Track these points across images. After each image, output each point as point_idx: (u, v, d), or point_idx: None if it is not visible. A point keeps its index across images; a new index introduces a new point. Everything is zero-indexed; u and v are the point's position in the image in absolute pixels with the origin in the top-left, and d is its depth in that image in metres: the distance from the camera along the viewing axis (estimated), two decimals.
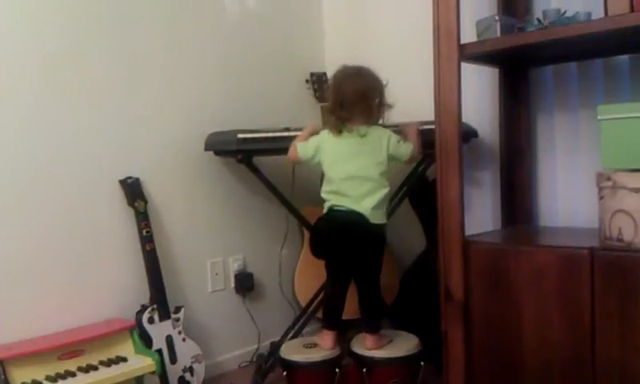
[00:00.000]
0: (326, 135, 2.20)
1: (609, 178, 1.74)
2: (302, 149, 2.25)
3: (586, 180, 2.16)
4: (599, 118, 1.79)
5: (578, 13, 1.93)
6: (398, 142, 2.15)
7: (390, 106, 2.19)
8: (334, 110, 2.17)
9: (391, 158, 2.16)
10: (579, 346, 1.74)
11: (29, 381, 1.94)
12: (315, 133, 2.27)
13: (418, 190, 2.61)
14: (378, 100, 2.15)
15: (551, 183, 2.34)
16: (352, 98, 2.14)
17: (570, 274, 1.75)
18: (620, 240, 1.71)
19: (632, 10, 1.70)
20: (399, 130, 2.24)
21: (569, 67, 2.26)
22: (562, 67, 2.27)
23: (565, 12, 1.93)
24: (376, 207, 2.13)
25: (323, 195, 2.22)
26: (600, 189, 1.79)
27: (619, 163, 1.75)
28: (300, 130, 2.43)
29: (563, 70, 2.28)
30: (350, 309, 2.26)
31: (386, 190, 2.15)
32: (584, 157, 2.23)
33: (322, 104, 2.88)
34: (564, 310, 1.76)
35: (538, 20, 1.97)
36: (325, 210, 2.22)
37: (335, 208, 2.17)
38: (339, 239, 2.21)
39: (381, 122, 2.23)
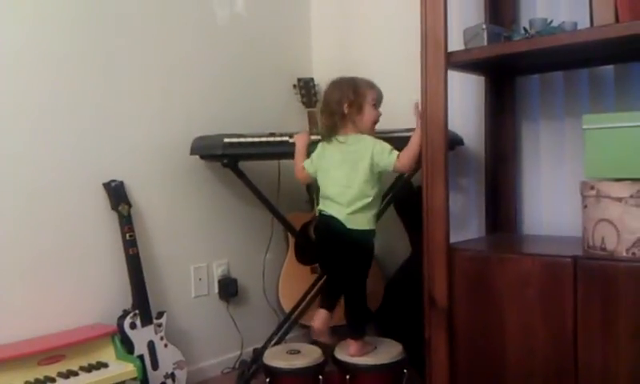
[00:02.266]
0: (320, 145, 2.26)
1: (592, 187, 1.75)
2: (309, 167, 2.29)
3: (570, 189, 2.17)
4: (584, 127, 1.80)
5: (564, 23, 1.95)
6: (384, 151, 2.13)
7: (361, 107, 2.19)
8: (322, 119, 2.28)
9: (377, 168, 2.15)
10: (562, 354, 1.74)
11: None
12: (306, 144, 2.33)
13: (403, 196, 2.61)
14: (346, 105, 2.17)
15: (536, 191, 2.35)
16: (325, 109, 2.24)
17: (553, 282, 1.75)
18: (603, 249, 1.72)
19: (617, 20, 1.71)
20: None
21: (554, 76, 2.28)
22: (548, 76, 2.29)
23: (551, 22, 1.95)
24: (354, 212, 2.14)
25: (319, 199, 2.28)
26: (584, 198, 1.80)
27: (603, 172, 1.76)
28: (286, 135, 2.44)
29: (549, 79, 2.29)
30: (334, 315, 2.25)
31: (368, 199, 2.15)
32: (568, 166, 2.24)
33: (309, 109, 2.89)
34: (547, 318, 1.76)
35: (525, 29, 1.98)
36: (316, 213, 2.30)
37: (322, 213, 2.23)
38: (320, 243, 2.31)
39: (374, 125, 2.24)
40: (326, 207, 2.20)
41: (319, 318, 2.19)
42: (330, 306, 2.21)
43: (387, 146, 2.14)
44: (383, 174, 2.20)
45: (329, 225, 2.19)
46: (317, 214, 2.27)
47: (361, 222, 2.16)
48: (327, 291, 2.30)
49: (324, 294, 2.32)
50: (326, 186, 2.21)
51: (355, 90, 2.19)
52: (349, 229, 2.15)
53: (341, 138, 2.19)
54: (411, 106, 2.09)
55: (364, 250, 2.22)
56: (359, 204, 2.14)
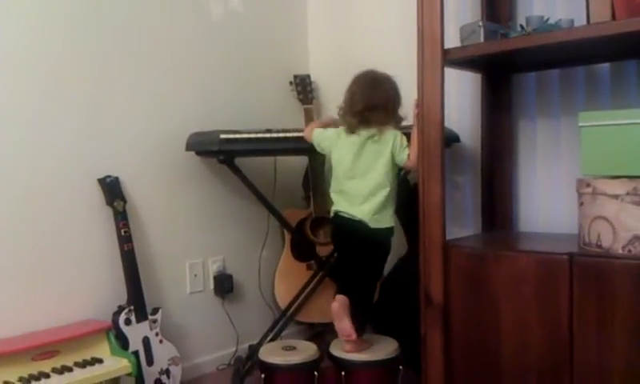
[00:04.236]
0: (342, 131, 2.25)
1: (588, 185, 1.75)
2: (317, 135, 2.32)
3: (566, 186, 2.17)
4: (580, 124, 1.80)
5: (560, 20, 1.95)
6: (402, 146, 2.15)
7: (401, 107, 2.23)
8: (353, 112, 2.19)
9: (394, 159, 2.17)
10: (557, 350, 1.75)
11: (1, 382, 1.90)
12: (334, 125, 2.33)
13: (399, 194, 2.60)
14: (391, 105, 2.19)
15: (532, 189, 2.35)
16: (370, 106, 2.17)
17: (548, 279, 1.75)
18: (599, 246, 1.72)
19: (614, 18, 1.72)
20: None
21: (551, 74, 2.28)
22: (544, 74, 2.29)
23: (548, 19, 1.95)
24: (377, 211, 2.16)
25: (331, 195, 2.28)
26: (580, 195, 1.80)
27: (599, 170, 1.77)
28: (283, 131, 2.44)
29: (545, 77, 2.29)
30: (329, 312, 2.25)
31: (386, 190, 2.16)
32: (564, 163, 2.24)
33: (305, 106, 2.89)
34: (543, 315, 1.77)
35: (521, 26, 1.98)
36: (331, 214, 2.28)
37: (340, 214, 2.22)
38: (342, 245, 2.30)
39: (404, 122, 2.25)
40: (344, 207, 2.20)
41: (335, 303, 2.15)
42: (343, 292, 2.17)
43: (405, 142, 2.16)
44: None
45: (351, 228, 2.18)
46: (332, 215, 2.26)
47: (383, 221, 2.18)
48: (343, 281, 2.26)
49: (340, 283, 2.27)
50: (344, 176, 2.21)
51: (399, 96, 2.22)
52: (372, 229, 2.16)
53: (365, 131, 2.18)
54: (408, 102, 2.09)
55: (385, 248, 2.24)
56: (379, 198, 2.15)
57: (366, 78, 2.22)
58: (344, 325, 2.13)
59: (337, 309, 2.13)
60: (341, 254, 2.35)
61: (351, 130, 2.20)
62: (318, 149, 2.34)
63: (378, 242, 2.20)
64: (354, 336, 2.13)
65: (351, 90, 2.22)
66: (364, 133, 2.18)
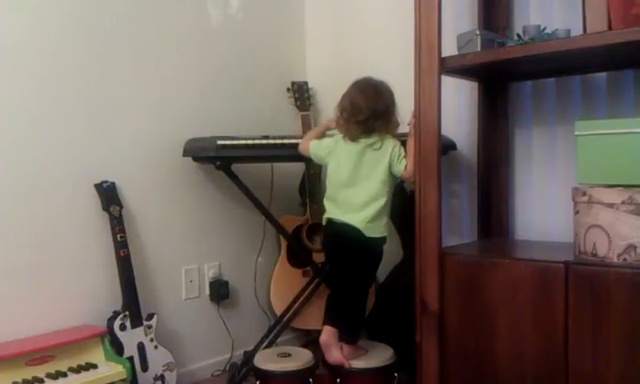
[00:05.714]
0: (339, 139, 2.22)
1: (584, 193, 1.76)
2: (314, 147, 2.30)
3: (561, 194, 2.18)
4: (576, 133, 1.81)
5: (557, 29, 1.96)
6: (399, 156, 2.14)
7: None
8: (356, 121, 2.15)
9: (391, 169, 2.15)
10: (552, 359, 1.75)
11: None
12: (329, 129, 2.32)
13: (396, 200, 2.61)
14: (391, 112, 2.17)
15: (528, 197, 2.36)
16: (375, 115, 2.14)
17: (544, 287, 1.76)
18: (594, 255, 1.73)
19: (610, 28, 1.73)
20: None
21: (547, 83, 2.29)
22: (541, 83, 2.30)
23: (544, 28, 1.96)
24: (372, 220, 2.13)
25: (324, 202, 2.25)
26: (575, 203, 1.81)
27: (595, 178, 1.77)
28: (280, 137, 2.44)
29: (541, 86, 2.30)
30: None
31: (383, 200, 2.14)
32: (560, 171, 2.25)
33: (302, 113, 2.89)
34: (538, 323, 1.77)
35: (518, 35, 1.99)
36: (323, 222, 2.25)
37: (332, 220, 2.20)
38: (334, 252, 2.26)
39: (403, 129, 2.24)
40: (337, 215, 2.17)
41: (323, 333, 2.16)
42: (329, 322, 2.17)
43: (403, 152, 2.14)
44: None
45: (344, 235, 2.15)
46: (324, 222, 2.24)
47: (377, 230, 2.15)
48: (333, 306, 2.22)
49: (329, 310, 2.23)
50: (339, 184, 2.18)
51: (395, 101, 2.20)
52: (367, 237, 2.13)
53: (365, 139, 2.15)
54: (405, 110, 2.09)
55: (377, 256, 2.22)
56: (375, 207, 2.13)
57: (367, 86, 2.19)
58: (335, 355, 2.15)
59: (325, 341, 2.15)
60: (332, 261, 2.31)
61: (352, 138, 2.17)
62: (316, 160, 2.32)
63: (371, 250, 2.18)
64: (346, 364, 2.14)
65: (351, 98, 2.17)
66: (363, 141, 2.16)
